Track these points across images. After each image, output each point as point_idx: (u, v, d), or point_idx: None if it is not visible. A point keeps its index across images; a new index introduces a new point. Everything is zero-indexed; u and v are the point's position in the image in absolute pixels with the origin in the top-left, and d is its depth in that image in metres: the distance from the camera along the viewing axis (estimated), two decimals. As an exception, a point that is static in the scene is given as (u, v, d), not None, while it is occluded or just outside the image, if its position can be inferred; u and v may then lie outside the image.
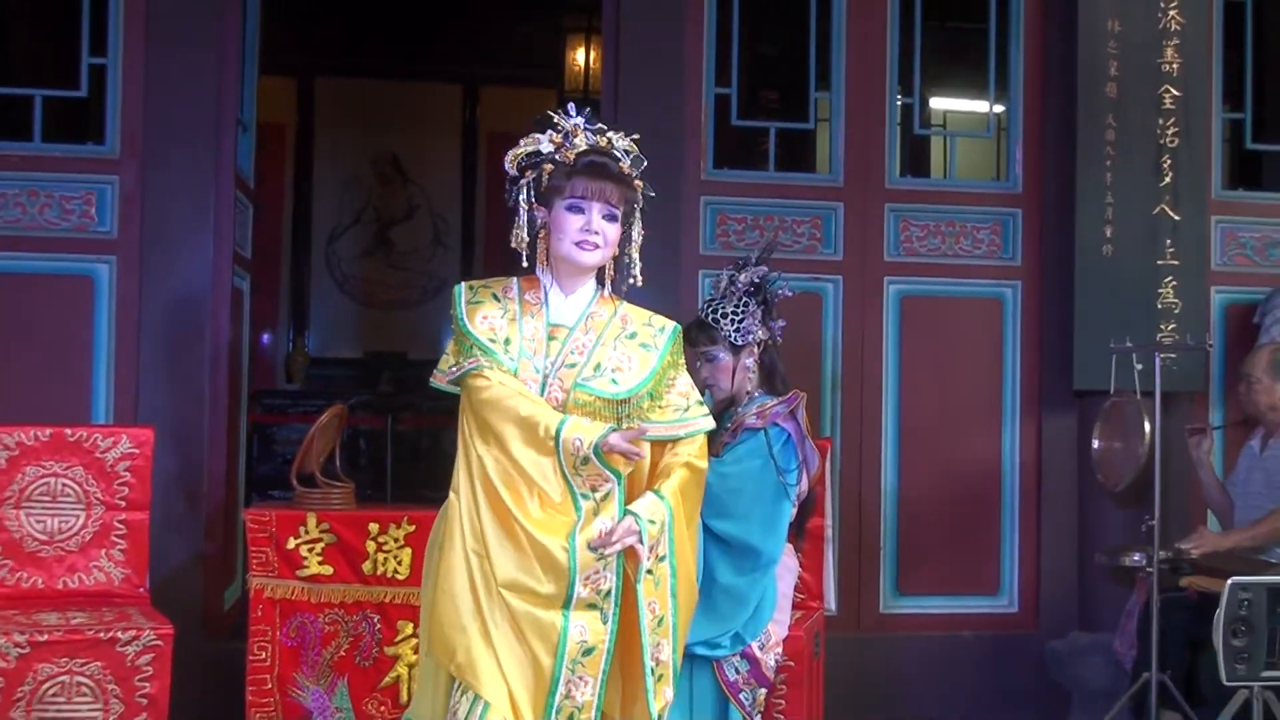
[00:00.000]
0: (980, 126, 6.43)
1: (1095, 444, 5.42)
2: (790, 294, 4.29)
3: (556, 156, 3.11)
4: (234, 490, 5.63)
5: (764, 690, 4.02)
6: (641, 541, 3.02)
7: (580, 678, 3.02)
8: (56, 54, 5.44)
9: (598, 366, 3.11)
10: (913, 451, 5.69)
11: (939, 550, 5.70)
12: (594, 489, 3.03)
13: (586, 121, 3.14)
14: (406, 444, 9.29)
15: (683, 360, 3.27)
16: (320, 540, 4.20)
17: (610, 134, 3.15)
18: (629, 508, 3.05)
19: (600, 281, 3.19)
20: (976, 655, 5.68)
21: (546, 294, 3.16)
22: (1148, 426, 5.10)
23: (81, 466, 4.38)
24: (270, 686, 4.20)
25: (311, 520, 4.22)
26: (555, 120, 3.12)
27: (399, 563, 4.22)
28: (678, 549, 3.14)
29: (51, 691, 3.90)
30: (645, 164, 3.16)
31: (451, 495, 3.04)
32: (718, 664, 3.95)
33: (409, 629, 4.22)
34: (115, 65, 5.24)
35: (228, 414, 5.43)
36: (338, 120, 10.66)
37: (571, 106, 3.16)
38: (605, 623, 3.05)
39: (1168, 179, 5.66)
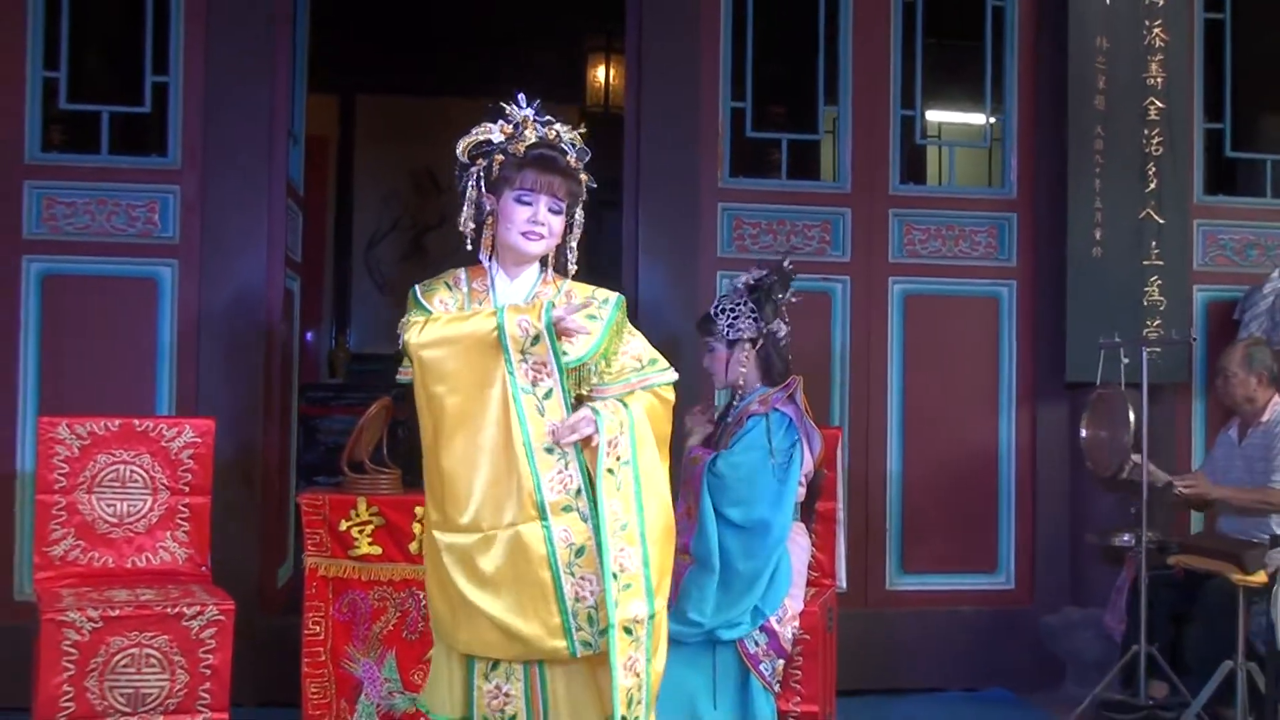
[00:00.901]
0: (974, 137, 6.42)
1: (1083, 433, 5.41)
2: (795, 300, 4.30)
3: (507, 148, 3.01)
4: (286, 476, 5.64)
5: (782, 661, 4.02)
6: (598, 431, 2.88)
7: (582, 578, 2.89)
8: (122, 73, 5.44)
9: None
10: (916, 440, 5.68)
11: (940, 531, 5.68)
12: (535, 383, 2.89)
13: (536, 113, 3.05)
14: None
15: (630, 327, 3.14)
16: (370, 523, 4.19)
17: (558, 126, 3.06)
18: (590, 404, 2.94)
19: (545, 264, 3.09)
20: (976, 629, 5.66)
21: (493, 280, 3.07)
22: (1132, 416, 5.09)
23: (148, 454, 4.38)
24: (324, 658, 4.20)
25: (362, 504, 4.22)
26: (506, 111, 3.04)
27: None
28: (641, 456, 2.96)
29: (123, 663, 3.91)
30: (589, 156, 3.09)
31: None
32: (739, 639, 3.95)
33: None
34: (176, 83, 5.25)
35: (280, 406, 5.44)
36: (376, 134, 10.65)
37: (521, 97, 3.08)
38: (586, 521, 2.89)
39: (1153, 185, 5.64)
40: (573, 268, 3.12)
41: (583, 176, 3.09)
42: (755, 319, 4.12)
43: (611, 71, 9.75)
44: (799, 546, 4.19)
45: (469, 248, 3.06)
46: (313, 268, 9.19)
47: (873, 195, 5.72)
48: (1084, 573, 5.66)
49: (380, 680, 4.20)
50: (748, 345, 4.12)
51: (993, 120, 5.92)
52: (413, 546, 4.20)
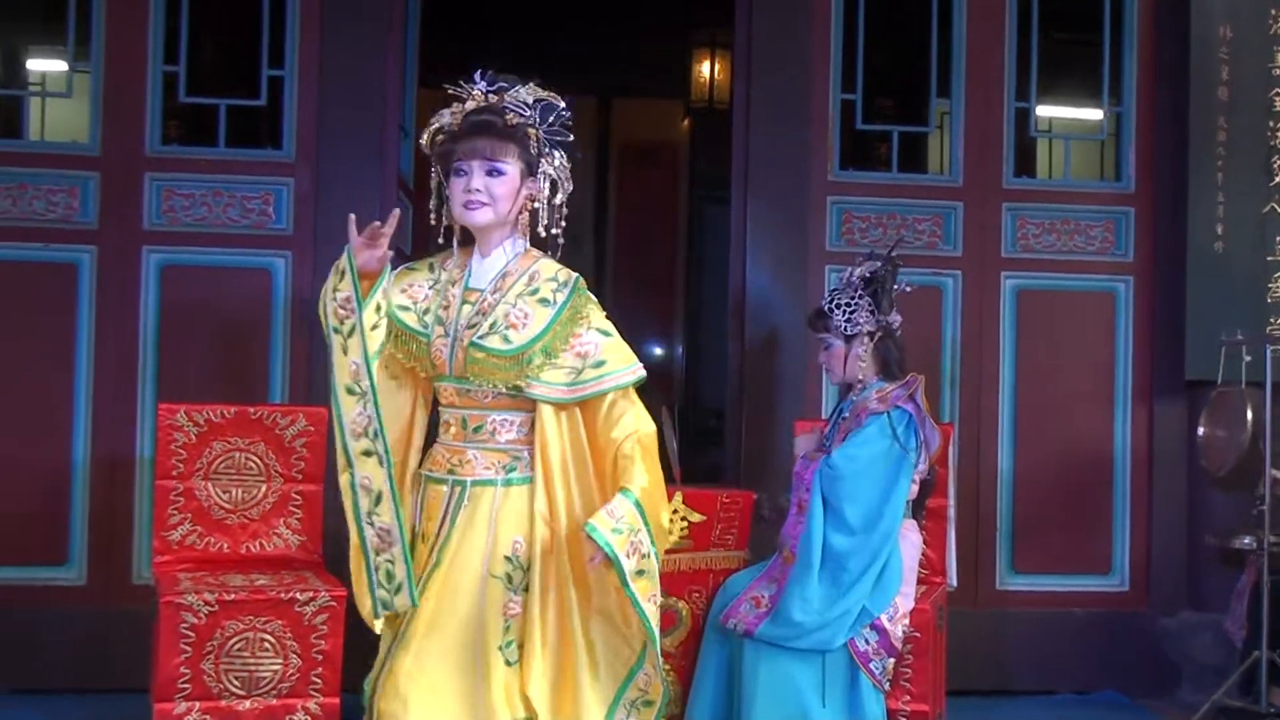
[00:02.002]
0: (1089, 130, 6.30)
1: (1200, 431, 5.29)
2: (909, 290, 4.25)
3: (448, 126, 2.92)
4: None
5: (892, 660, 3.98)
6: (612, 559, 2.76)
7: (381, 529, 2.81)
8: (239, 67, 5.52)
9: (494, 324, 2.89)
10: (1028, 437, 5.57)
11: (1053, 531, 5.57)
12: (342, 321, 2.81)
13: (489, 84, 2.93)
14: (544, 428, 9.34)
15: (591, 316, 2.95)
16: (480, 512, 4.19)
17: (515, 91, 2.92)
18: (588, 524, 2.76)
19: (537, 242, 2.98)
20: (1088, 631, 5.54)
21: (471, 260, 2.99)
22: (1250, 415, 4.97)
23: (263, 442, 4.43)
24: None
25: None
26: (460, 91, 2.95)
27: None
28: (658, 538, 2.88)
29: (237, 646, 3.96)
30: (561, 112, 2.94)
31: None
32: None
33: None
34: (291, 77, 5.31)
35: (389, 396, 5.47)
36: (483, 129, 10.72)
37: (479, 74, 2.96)
38: (382, 465, 2.81)
39: (1278, 178, 5.48)
40: (545, 233, 2.96)
41: (531, 132, 2.92)
42: (873, 312, 4.07)
43: (716, 66, 9.72)
44: (910, 544, 4.14)
45: (440, 241, 2.98)
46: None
47: (985, 189, 5.62)
48: (1202, 576, 5.52)
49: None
50: (866, 339, 4.09)
51: (1110, 113, 5.79)
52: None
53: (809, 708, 3.89)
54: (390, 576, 2.82)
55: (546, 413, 2.88)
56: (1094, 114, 6.09)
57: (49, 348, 5.17)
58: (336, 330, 2.82)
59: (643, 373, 2.92)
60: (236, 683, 3.95)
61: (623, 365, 2.94)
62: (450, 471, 2.95)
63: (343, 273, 2.82)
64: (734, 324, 5.60)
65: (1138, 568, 5.62)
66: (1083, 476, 5.59)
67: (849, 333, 4.09)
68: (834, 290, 4.23)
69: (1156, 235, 5.64)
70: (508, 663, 2.85)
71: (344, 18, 5.30)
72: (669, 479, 4.42)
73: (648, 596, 2.83)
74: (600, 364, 2.90)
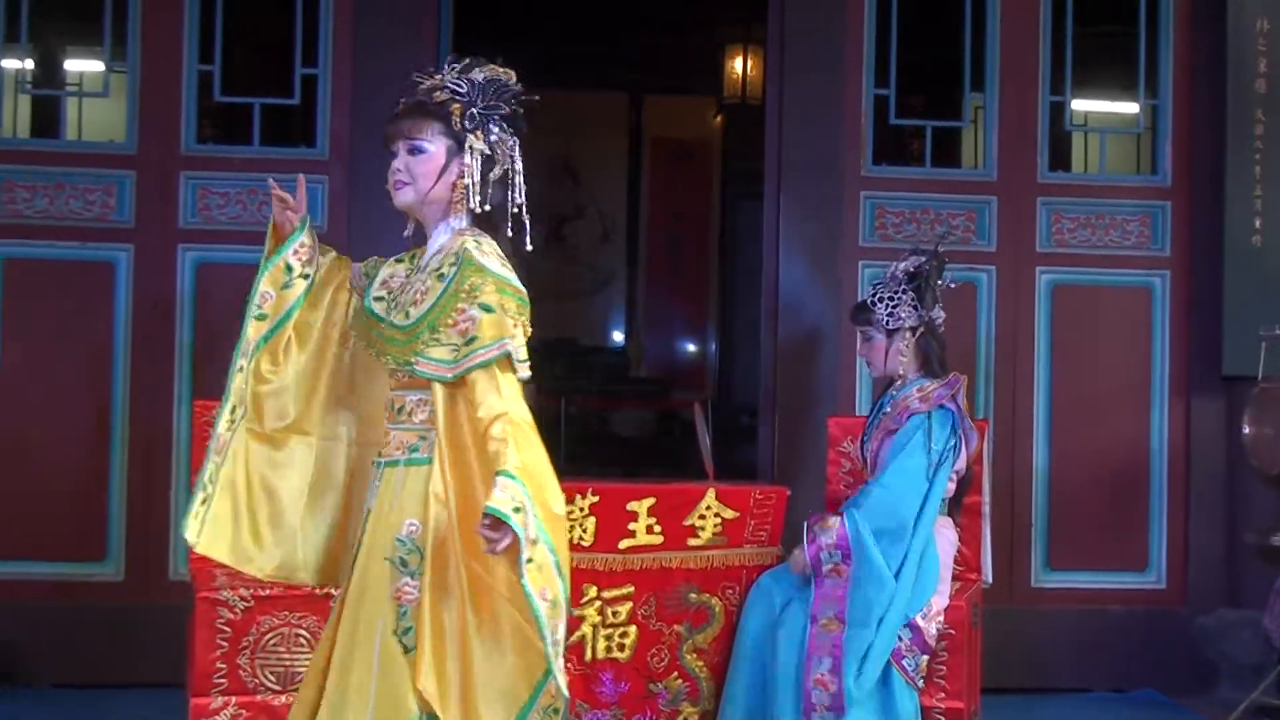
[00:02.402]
0: (1124, 123, 6.26)
1: (1246, 430, 5.23)
2: (953, 285, 4.22)
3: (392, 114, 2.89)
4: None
5: (926, 657, 3.95)
6: (519, 539, 2.54)
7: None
8: (272, 66, 5.55)
9: (399, 302, 2.85)
10: (1064, 433, 5.54)
11: (1089, 528, 5.53)
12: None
13: (448, 67, 2.87)
14: (578, 424, 9.34)
15: (482, 291, 2.74)
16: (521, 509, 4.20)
17: (453, 68, 2.86)
18: (489, 505, 2.53)
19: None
20: (1125, 629, 5.50)
21: (428, 246, 2.92)
22: (1295, 412, 4.92)
23: (298, 439, 4.44)
24: (466, 641, 4.22)
25: (511, 489, 4.23)
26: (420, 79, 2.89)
27: (584, 530, 4.21)
28: (547, 523, 2.61)
29: (273, 641, 3.97)
30: (505, 88, 2.87)
31: None
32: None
33: (592, 591, 4.21)
34: (325, 75, 5.34)
35: (427, 393, 5.48)
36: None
37: (452, 59, 2.91)
38: None
39: (1316, 171, 5.43)
40: (475, 205, 2.84)
41: (456, 108, 2.84)
42: (916, 307, 4.05)
43: (749, 62, 9.71)
44: (945, 541, 4.12)
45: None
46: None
47: (1020, 183, 5.59)
48: (1240, 573, 5.46)
49: (521, 665, 4.21)
50: (908, 334, 4.07)
51: (1145, 105, 5.75)
52: (554, 533, 4.20)
53: (843, 703, 3.89)
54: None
55: (439, 392, 2.76)
56: (1130, 108, 6.04)
57: (86, 345, 5.22)
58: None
59: (511, 349, 2.71)
60: (272, 678, 3.97)
61: (491, 341, 2.73)
62: (379, 454, 2.91)
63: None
64: (767, 320, 5.58)
65: (1175, 565, 5.57)
66: (1119, 473, 5.55)
67: (890, 327, 4.07)
68: (877, 284, 4.20)
69: (1193, 229, 5.60)
70: (406, 650, 2.72)
71: (377, 17, 5.32)
72: (701, 475, 4.45)
73: (539, 591, 2.59)
74: (472, 340, 2.73)
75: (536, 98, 2.94)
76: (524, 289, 2.82)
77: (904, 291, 4.08)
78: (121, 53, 5.32)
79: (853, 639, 3.84)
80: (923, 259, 4.14)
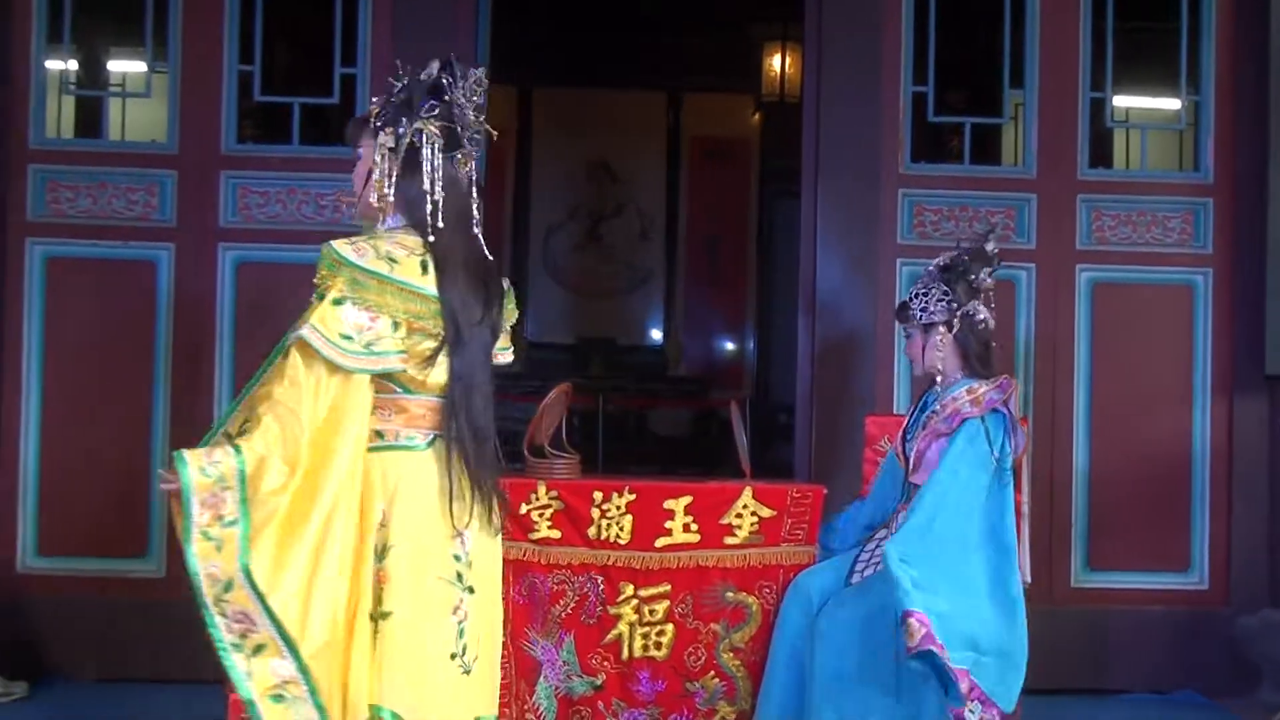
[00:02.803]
0: (1167, 120, 6.20)
1: (1291, 428, 5.18)
2: (989, 281, 4.18)
3: None
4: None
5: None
6: (183, 488, 2.56)
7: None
8: (312, 66, 5.58)
9: None
10: (1104, 432, 5.49)
11: (1130, 527, 5.48)
12: None
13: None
14: (615, 423, 9.35)
15: (332, 285, 2.71)
16: (549, 506, 4.21)
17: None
18: (179, 451, 2.57)
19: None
20: (1166, 630, 5.44)
21: None
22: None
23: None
24: (504, 640, 4.22)
25: (541, 488, 4.23)
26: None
27: (621, 528, 4.21)
28: (253, 507, 2.58)
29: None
30: (421, 80, 2.78)
31: None
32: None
33: (629, 590, 4.21)
34: (364, 74, 5.36)
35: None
36: (553, 125, 10.77)
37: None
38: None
39: (1363, 167, 5.36)
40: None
41: (372, 109, 2.82)
42: (948, 301, 4.01)
43: (786, 60, 9.69)
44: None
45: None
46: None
47: (1060, 180, 5.54)
48: (1284, 573, 5.41)
49: (559, 663, 4.21)
50: (941, 329, 4.02)
51: (1188, 102, 5.69)
52: (591, 531, 4.20)
53: (878, 703, 3.86)
54: None
55: None
56: (1171, 103, 5.98)
57: (128, 343, 5.27)
58: None
59: (302, 332, 2.68)
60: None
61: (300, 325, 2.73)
62: None
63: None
64: (804, 318, 5.56)
65: (1217, 565, 5.51)
66: (1161, 472, 5.50)
67: (924, 322, 4.03)
68: (918, 280, 4.18)
69: (1236, 226, 5.53)
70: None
71: (415, 16, 5.33)
72: (739, 474, 4.44)
73: (206, 571, 2.60)
74: (291, 329, 2.76)
75: (475, 82, 2.83)
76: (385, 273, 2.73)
77: (936, 285, 4.04)
78: (163, 53, 5.37)
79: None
80: (957, 252, 4.10)
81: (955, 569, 3.79)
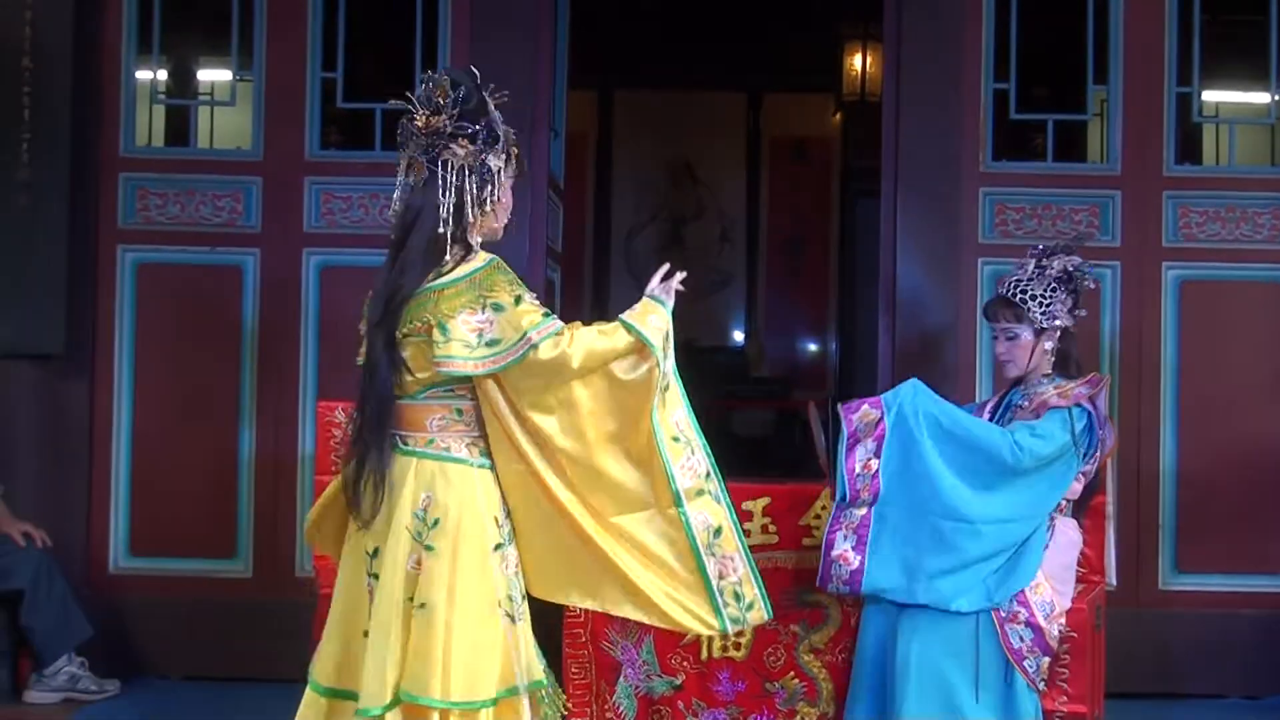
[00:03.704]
0: (1252, 114, 6.08)
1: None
2: (1093, 285, 4.16)
3: (508, 137, 3.13)
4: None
5: (1048, 659, 3.89)
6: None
7: (725, 557, 3.00)
8: (394, 72, 5.65)
9: None
10: (1192, 432, 5.39)
11: (1219, 530, 5.38)
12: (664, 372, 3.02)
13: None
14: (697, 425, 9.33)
15: (488, 297, 3.04)
16: (627, 507, 4.22)
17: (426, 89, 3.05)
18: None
19: None
20: (1258, 634, 5.33)
21: None
22: None
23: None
24: (584, 639, 4.23)
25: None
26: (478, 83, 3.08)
27: (699, 530, 4.22)
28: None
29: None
30: (467, 96, 3.03)
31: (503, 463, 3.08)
32: (1002, 631, 3.83)
33: (708, 591, 4.21)
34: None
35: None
36: (634, 128, 10.79)
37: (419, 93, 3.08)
38: (719, 502, 3.02)
39: None
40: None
41: (430, 121, 3.10)
42: (1071, 309, 4.02)
43: (868, 59, 9.63)
44: (1069, 542, 4.05)
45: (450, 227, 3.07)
46: (573, 259, 9.37)
47: (1145, 177, 5.46)
48: (1382, 577, 5.28)
49: (639, 663, 4.22)
50: (1057, 334, 4.02)
51: (1277, 98, 5.58)
52: (668, 532, 4.21)
53: (961, 704, 3.83)
54: (739, 597, 3.06)
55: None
56: (1261, 97, 5.86)
57: (216, 348, 5.37)
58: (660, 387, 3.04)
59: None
60: (392, 673, 4.03)
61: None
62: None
63: (668, 334, 3.06)
64: (885, 318, 5.53)
65: (1311, 568, 5.40)
66: (1251, 473, 5.38)
67: (1043, 325, 4.00)
68: (1019, 280, 4.07)
69: (1327, 222, 5.42)
70: None
71: (494, 20, 5.39)
72: (819, 475, 4.43)
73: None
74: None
75: (492, 101, 3.11)
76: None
77: (1057, 291, 4.02)
78: (248, 62, 5.46)
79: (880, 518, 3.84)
80: (1078, 258, 4.07)
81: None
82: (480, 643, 3.05)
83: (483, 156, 3.05)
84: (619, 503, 3.10)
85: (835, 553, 3.84)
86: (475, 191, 3.04)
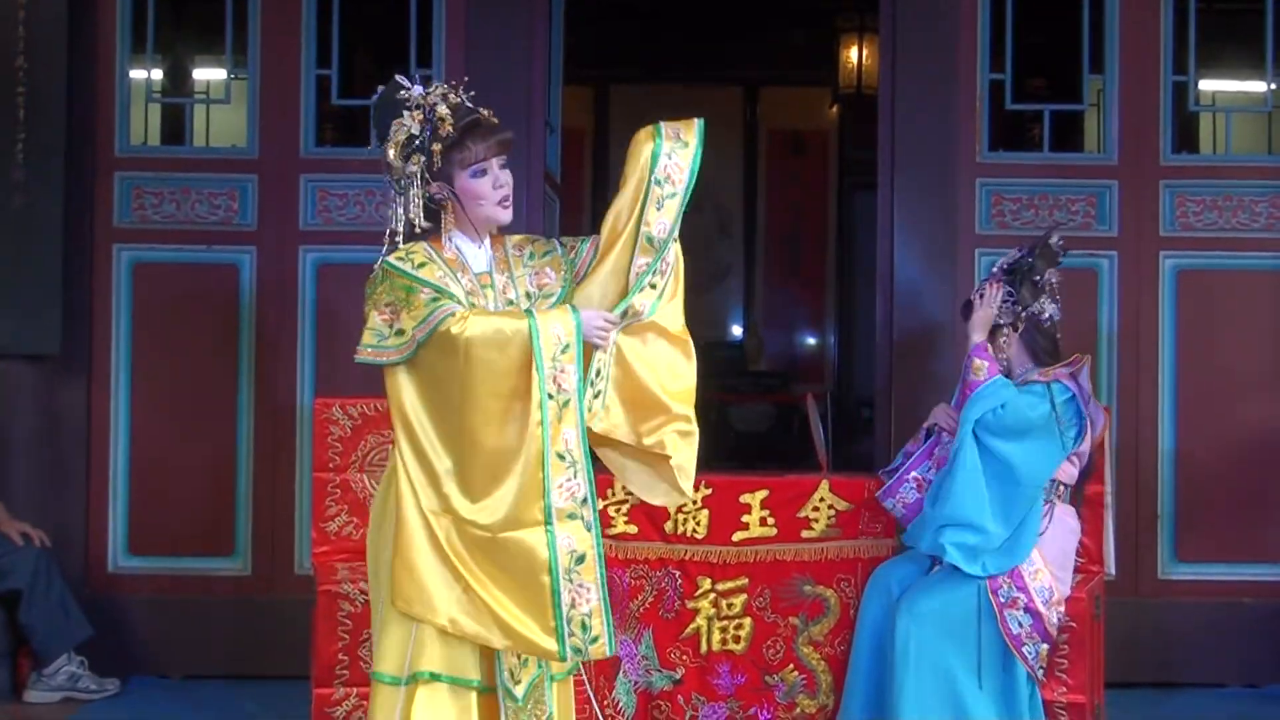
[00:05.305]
0: (1249, 103, 6.07)
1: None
2: (1055, 280, 4.19)
3: (438, 133, 2.99)
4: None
5: (1046, 646, 3.93)
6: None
7: (580, 586, 2.88)
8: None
9: (529, 295, 3.08)
10: (1191, 421, 5.38)
11: (1218, 519, 5.37)
12: (560, 388, 2.89)
13: (423, 88, 3.02)
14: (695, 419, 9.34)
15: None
16: (626, 501, 4.22)
17: (445, 88, 3.05)
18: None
19: None
20: (1258, 622, 5.32)
21: (461, 251, 3.06)
22: None
23: (419, 435, 4.51)
24: (583, 635, 4.25)
25: (618, 484, 4.23)
26: (404, 99, 3.01)
27: (697, 523, 4.23)
28: None
29: (393, 634, 4.03)
30: (381, 112, 3.05)
31: (398, 460, 2.96)
32: (1001, 617, 3.86)
33: (707, 584, 4.23)
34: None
35: (538, 389, 5.54)
36: (630, 123, 10.74)
37: (401, 78, 3.05)
38: (589, 530, 2.90)
39: None
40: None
41: (495, 122, 3.07)
42: (1012, 302, 4.06)
43: (864, 52, 9.62)
44: (1067, 529, 4.09)
45: (401, 241, 3.00)
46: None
47: (1142, 166, 5.45)
48: (1381, 564, 5.28)
49: (638, 657, 4.23)
50: (1007, 330, 4.08)
51: (1274, 86, 5.57)
52: (668, 526, 4.22)
53: (963, 690, 3.86)
54: (585, 627, 2.92)
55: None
56: (1257, 86, 5.86)
57: (213, 345, 5.36)
58: (552, 396, 2.91)
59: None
60: (392, 669, 4.03)
61: None
62: None
63: (566, 346, 2.93)
64: (882, 311, 5.53)
65: (1309, 556, 5.40)
66: (1250, 461, 5.37)
67: (997, 322, 4.08)
68: (983, 281, 4.24)
69: (1326, 210, 5.42)
70: None
71: (489, 15, 5.37)
72: (815, 467, 4.43)
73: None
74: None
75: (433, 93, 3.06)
76: None
77: (1000, 288, 4.07)
78: (243, 60, 5.46)
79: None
80: (1021, 254, 4.15)
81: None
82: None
83: (406, 166, 3.01)
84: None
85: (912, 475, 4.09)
86: (406, 200, 3.02)
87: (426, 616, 2.91)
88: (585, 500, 2.92)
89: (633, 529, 4.24)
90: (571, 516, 2.90)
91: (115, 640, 5.14)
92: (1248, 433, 5.40)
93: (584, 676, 4.11)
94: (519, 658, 2.99)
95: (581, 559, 2.90)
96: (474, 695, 2.97)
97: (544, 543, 2.87)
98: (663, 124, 3.11)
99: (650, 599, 4.24)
